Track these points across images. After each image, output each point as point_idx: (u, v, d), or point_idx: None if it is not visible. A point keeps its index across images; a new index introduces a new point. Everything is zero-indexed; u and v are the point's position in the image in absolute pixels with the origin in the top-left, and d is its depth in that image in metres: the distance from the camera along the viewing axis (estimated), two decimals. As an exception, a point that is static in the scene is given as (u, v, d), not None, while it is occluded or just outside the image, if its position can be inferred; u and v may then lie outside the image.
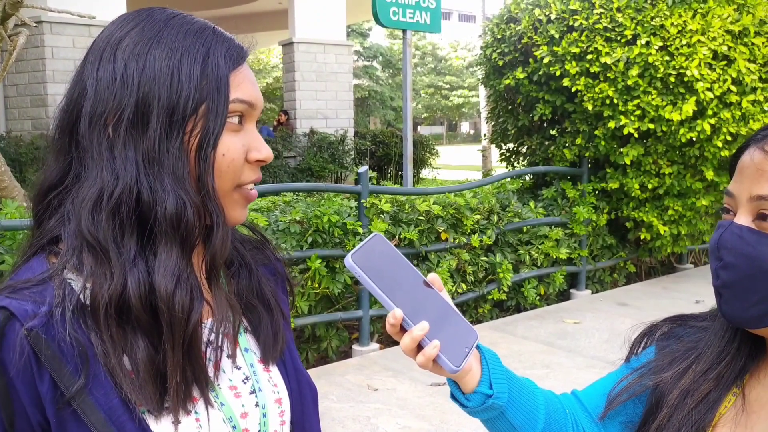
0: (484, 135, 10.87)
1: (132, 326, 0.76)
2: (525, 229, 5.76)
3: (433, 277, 0.91)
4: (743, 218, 0.82)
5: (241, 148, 0.83)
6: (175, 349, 0.77)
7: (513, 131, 6.75)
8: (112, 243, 0.76)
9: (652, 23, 5.41)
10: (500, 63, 6.37)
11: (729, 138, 5.47)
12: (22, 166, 9.28)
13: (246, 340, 0.93)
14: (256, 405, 0.89)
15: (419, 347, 0.86)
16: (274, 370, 0.94)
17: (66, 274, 0.78)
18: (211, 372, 0.85)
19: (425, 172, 16.56)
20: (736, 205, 0.84)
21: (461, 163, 25.96)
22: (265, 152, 0.85)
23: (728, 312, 0.84)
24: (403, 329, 0.86)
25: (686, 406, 0.89)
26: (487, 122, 7.55)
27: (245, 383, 0.89)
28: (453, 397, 0.93)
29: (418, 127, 49.76)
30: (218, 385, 0.86)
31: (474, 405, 0.90)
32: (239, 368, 0.90)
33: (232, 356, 0.89)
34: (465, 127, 61.42)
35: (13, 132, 10.58)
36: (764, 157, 0.81)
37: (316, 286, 4.34)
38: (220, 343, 0.84)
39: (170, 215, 0.77)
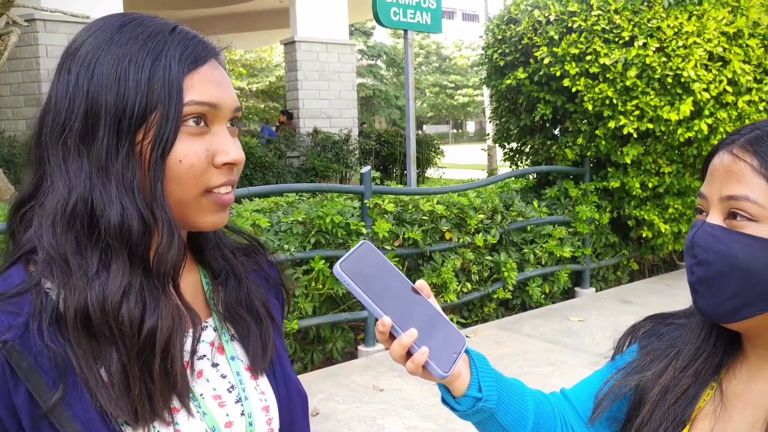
0: (487, 135, 10.88)
1: (104, 337, 0.76)
2: (529, 228, 5.78)
3: (421, 283, 0.92)
4: (715, 217, 0.86)
5: (203, 152, 0.80)
6: (131, 362, 0.76)
7: (515, 131, 6.78)
8: (72, 255, 0.75)
9: (649, 25, 5.44)
10: (501, 63, 6.40)
11: (726, 138, 5.51)
12: (16, 167, 9.02)
13: (233, 348, 0.92)
14: (242, 414, 0.88)
15: (408, 354, 0.87)
16: (263, 378, 0.94)
17: (44, 283, 0.77)
18: (194, 382, 0.85)
19: (431, 172, 16.53)
20: (708, 206, 0.87)
21: (467, 162, 25.94)
22: (233, 154, 0.82)
23: (703, 307, 0.87)
24: (392, 336, 0.87)
25: (666, 402, 0.93)
26: (490, 122, 7.56)
27: (230, 392, 0.89)
28: (444, 401, 0.96)
29: (424, 126, 49.69)
30: (201, 394, 0.86)
31: (464, 408, 0.93)
32: (224, 377, 0.89)
33: (216, 363, 0.89)
34: (471, 126, 61.33)
35: (7, 132, 10.34)
36: (733, 159, 0.85)
37: (320, 286, 4.36)
38: (175, 353, 0.80)
39: (114, 225, 0.76)
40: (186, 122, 0.79)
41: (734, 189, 0.83)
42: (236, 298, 0.93)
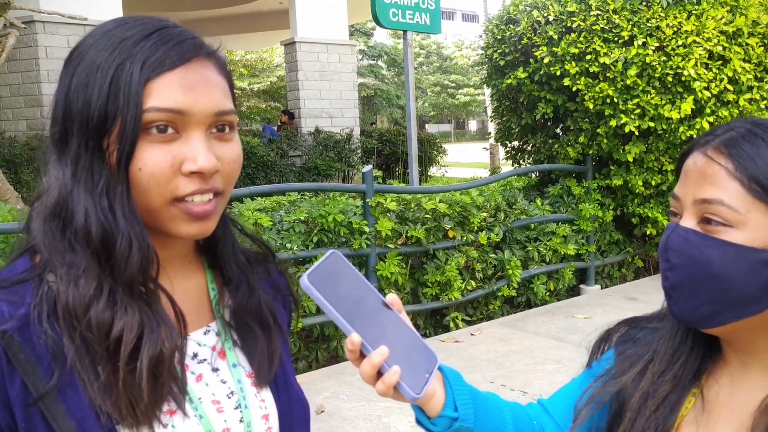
0: (489, 133, 10.89)
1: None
2: (532, 226, 5.78)
3: (392, 297, 0.88)
4: (688, 221, 0.83)
5: (169, 160, 0.77)
6: (104, 366, 0.75)
7: (517, 130, 6.79)
8: (55, 254, 0.77)
9: (648, 24, 5.46)
10: (501, 63, 6.42)
11: (728, 136, 5.53)
12: (17, 167, 9.14)
13: (235, 355, 0.92)
14: (241, 420, 0.88)
15: (379, 373, 0.82)
16: (264, 387, 0.93)
17: (47, 274, 0.78)
18: (193, 385, 0.85)
19: (434, 170, 16.55)
20: (682, 208, 0.85)
21: (470, 161, 25.93)
22: (201, 162, 0.78)
23: (678, 312, 0.85)
24: (362, 355, 0.82)
25: (648, 410, 0.90)
26: (492, 120, 7.57)
27: (230, 398, 0.88)
28: (418, 421, 0.90)
29: (426, 126, 49.74)
30: (200, 398, 0.85)
31: (440, 429, 0.88)
32: (224, 382, 0.89)
33: (216, 367, 0.89)
34: (473, 124, 61.35)
35: (7, 133, 10.44)
36: (707, 161, 0.82)
37: (324, 285, 4.33)
38: (144, 360, 0.77)
39: (79, 229, 0.77)
40: (148, 130, 0.77)
41: (708, 192, 0.80)
42: (246, 308, 0.92)
